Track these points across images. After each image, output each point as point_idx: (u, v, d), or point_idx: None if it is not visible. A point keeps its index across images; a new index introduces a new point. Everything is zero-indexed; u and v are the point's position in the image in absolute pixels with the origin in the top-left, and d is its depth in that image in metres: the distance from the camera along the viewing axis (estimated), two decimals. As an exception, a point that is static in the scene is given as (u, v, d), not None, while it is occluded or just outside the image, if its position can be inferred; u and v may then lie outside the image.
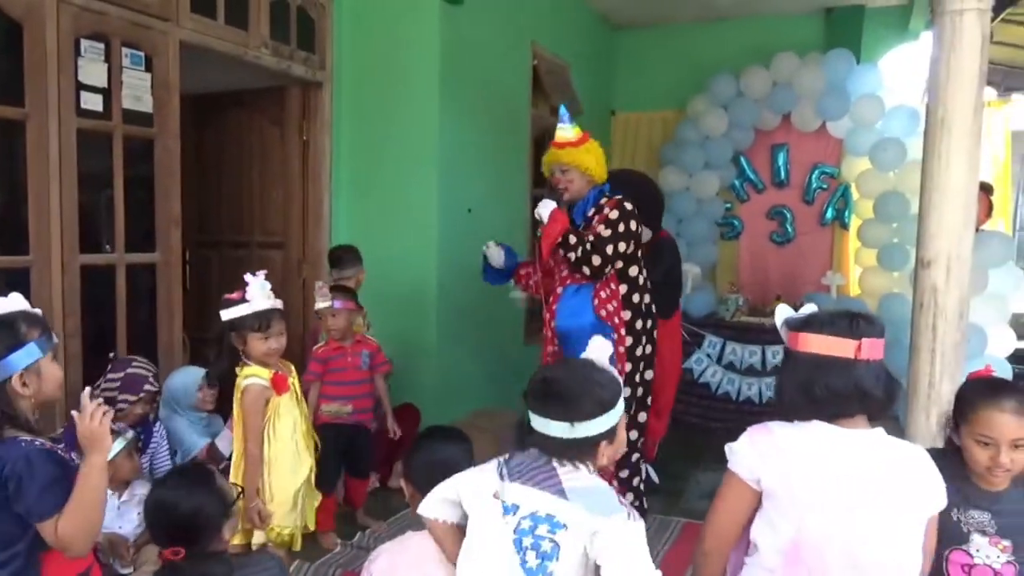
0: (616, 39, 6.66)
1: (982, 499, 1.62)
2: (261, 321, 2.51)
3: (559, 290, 3.17)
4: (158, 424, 3.01)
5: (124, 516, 2.72)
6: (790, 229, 5.97)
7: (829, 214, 5.82)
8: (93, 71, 3.02)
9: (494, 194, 4.69)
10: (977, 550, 1.62)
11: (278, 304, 2.57)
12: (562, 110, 3.30)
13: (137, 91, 3.21)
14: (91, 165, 3.11)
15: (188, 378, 3.13)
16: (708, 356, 5.23)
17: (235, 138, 4.52)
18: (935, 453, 1.59)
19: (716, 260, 6.09)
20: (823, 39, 5.93)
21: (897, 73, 5.47)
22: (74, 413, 1.64)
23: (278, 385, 2.58)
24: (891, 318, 4.98)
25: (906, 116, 5.16)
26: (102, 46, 3.04)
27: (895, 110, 5.22)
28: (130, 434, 2.64)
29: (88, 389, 1.72)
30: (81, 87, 2.97)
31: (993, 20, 4.00)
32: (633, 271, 3.22)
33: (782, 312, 1.50)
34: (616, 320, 3.12)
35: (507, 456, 1.47)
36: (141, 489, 2.79)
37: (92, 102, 3.03)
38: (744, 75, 5.71)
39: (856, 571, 1.33)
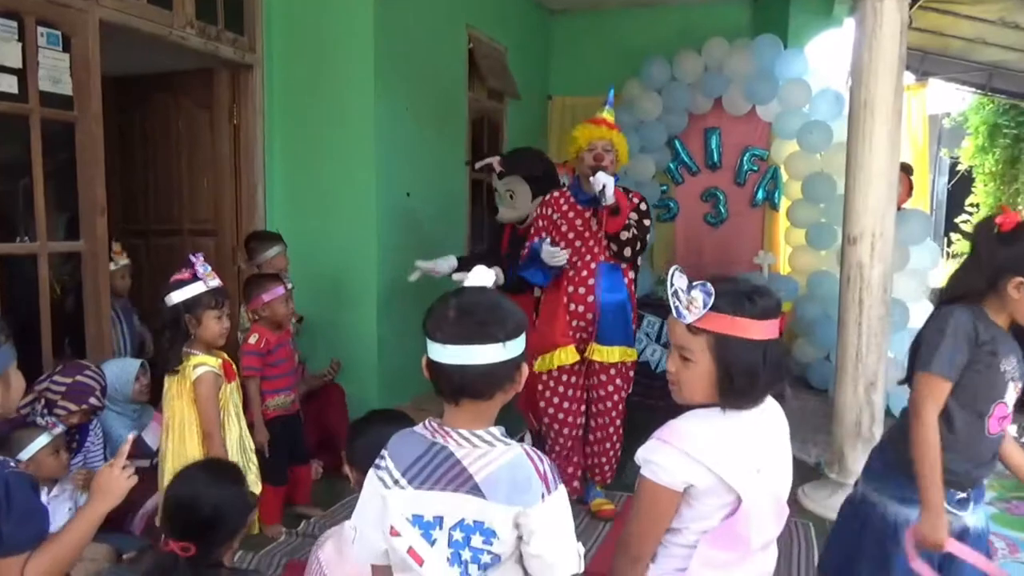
0: (552, 24, 6.68)
1: (1010, 347, 1.74)
2: (217, 298, 2.47)
3: (593, 266, 3.24)
4: (94, 421, 2.91)
5: (56, 512, 2.62)
6: (723, 210, 6.11)
7: (760, 195, 5.98)
8: (6, 51, 2.87)
9: (433, 177, 4.67)
10: (1008, 399, 1.75)
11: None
12: (611, 92, 3.47)
13: (55, 72, 3.06)
14: (8, 150, 2.97)
15: (122, 369, 3.04)
16: (647, 335, 5.32)
17: (162, 122, 4.37)
18: (960, 310, 1.71)
19: (653, 242, 6.19)
20: (751, 24, 6.09)
21: (822, 58, 5.65)
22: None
23: (228, 372, 2.53)
24: (820, 294, 5.18)
25: (831, 99, 5.34)
26: (15, 24, 2.89)
27: (821, 94, 5.39)
28: (57, 430, 2.54)
29: (133, 435, 1.58)
30: (-7, 68, 2.83)
31: (912, 7, 4.17)
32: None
33: (681, 280, 1.37)
34: (634, 301, 3.38)
35: (386, 460, 1.33)
36: (71, 485, 2.70)
37: (6, 84, 2.88)
38: (677, 59, 5.80)
39: (766, 524, 1.39)
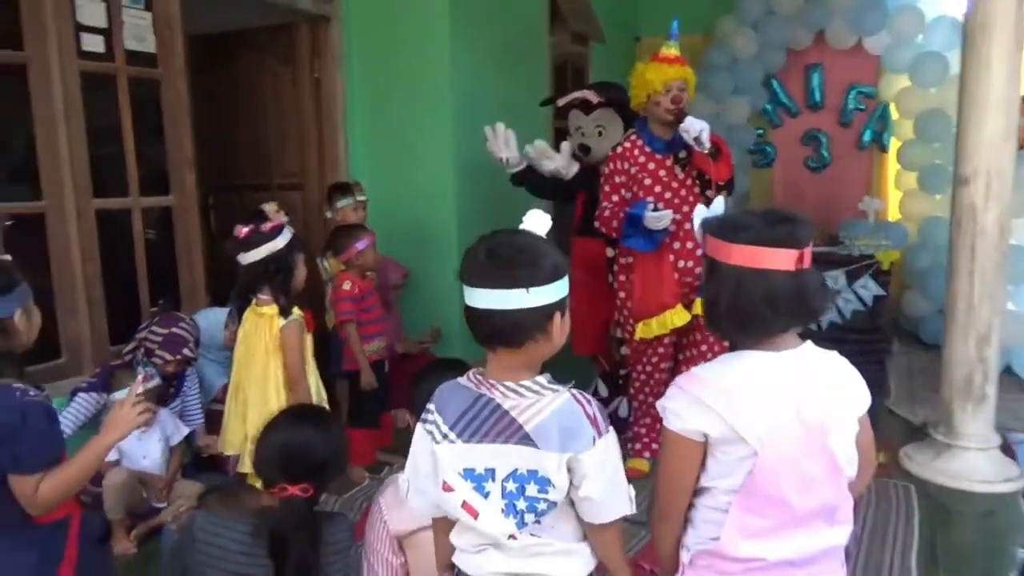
0: (640, -41, 6.37)
1: None
2: (303, 246, 2.58)
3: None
4: (190, 370, 3.04)
5: (147, 445, 2.77)
6: (826, 154, 5.74)
7: (867, 136, 5.57)
8: (91, 11, 2.96)
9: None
10: None
11: None
12: (675, 24, 3.05)
13: (139, 31, 3.15)
14: (99, 109, 3.08)
15: (214, 318, 3.15)
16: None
17: (247, 80, 4.45)
18: None
19: (748, 190, 5.90)
20: (860, -52, 5.59)
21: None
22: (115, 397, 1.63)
23: (309, 322, 2.58)
24: (933, 242, 4.80)
25: (948, 27, 4.86)
26: (99, -15, 2.98)
27: (936, 21, 4.92)
28: (152, 383, 2.65)
29: (142, 374, 1.70)
30: (80, 28, 2.92)
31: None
32: None
33: (700, 213, 1.35)
34: None
35: (433, 414, 1.30)
36: (166, 416, 2.84)
37: (93, 43, 2.98)
38: (775, -9, 5.43)
39: (807, 486, 1.26)
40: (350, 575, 1.77)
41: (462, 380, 1.33)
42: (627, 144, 3.09)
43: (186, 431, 2.95)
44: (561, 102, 3.78)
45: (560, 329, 1.26)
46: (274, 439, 1.67)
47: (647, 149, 3.04)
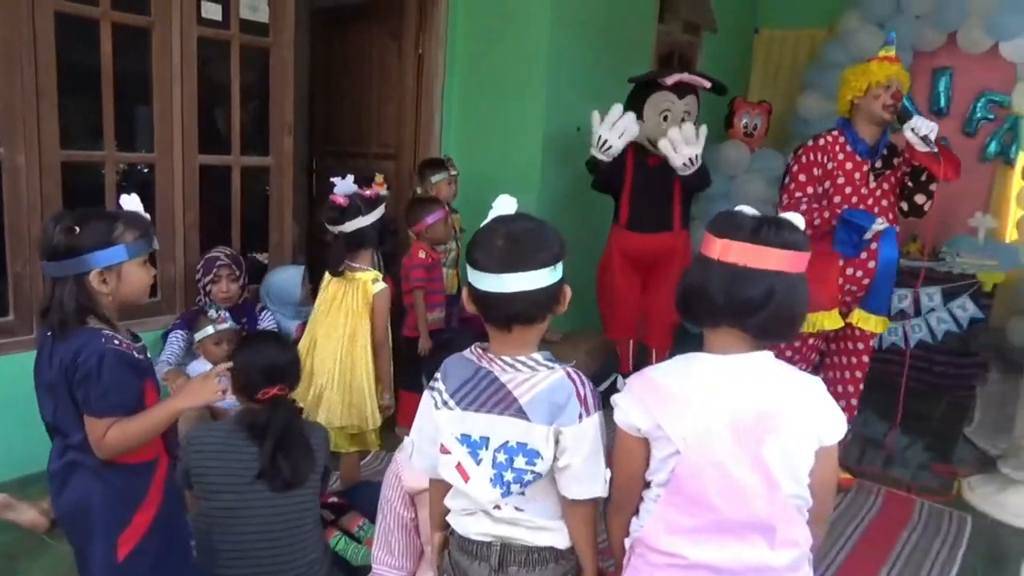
0: (765, -53, 6.15)
1: None
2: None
3: (885, 226, 2.94)
4: (263, 313, 3.29)
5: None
6: (945, 164, 5.38)
7: (992, 148, 5.17)
8: (213, -19, 3.23)
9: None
10: None
11: None
12: (891, 34, 3.22)
13: (255, 2, 3.39)
14: (211, 72, 3.36)
15: (288, 276, 3.39)
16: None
17: (358, 51, 4.68)
18: None
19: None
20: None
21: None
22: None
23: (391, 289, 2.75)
24: (1048, 268, 4.44)
25: (1097, 36, 4.45)
26: (220, -43, 3.24)
27: (1085, 29, 4.50)
28: (224, 326, 2.89)
29: (226, 366, 1.82)
30: (201, -4, 3.19)
31: None
32: None
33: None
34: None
35: (439, 381, 1.41)
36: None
37: (212, 11, 3.25)
38: (906, -12, 5.12)
39: (736, 495, 1.24)
40: (328, 467, 2.13)
41: (466, 353, 1.43)
42: (829, 138, 3.01)
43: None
44: (669, 80, 3.62)
45: (567, 298, 1.37)
46: (256, 358, 2.01)
47: (848, 148, 2.98)
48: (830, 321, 3.00)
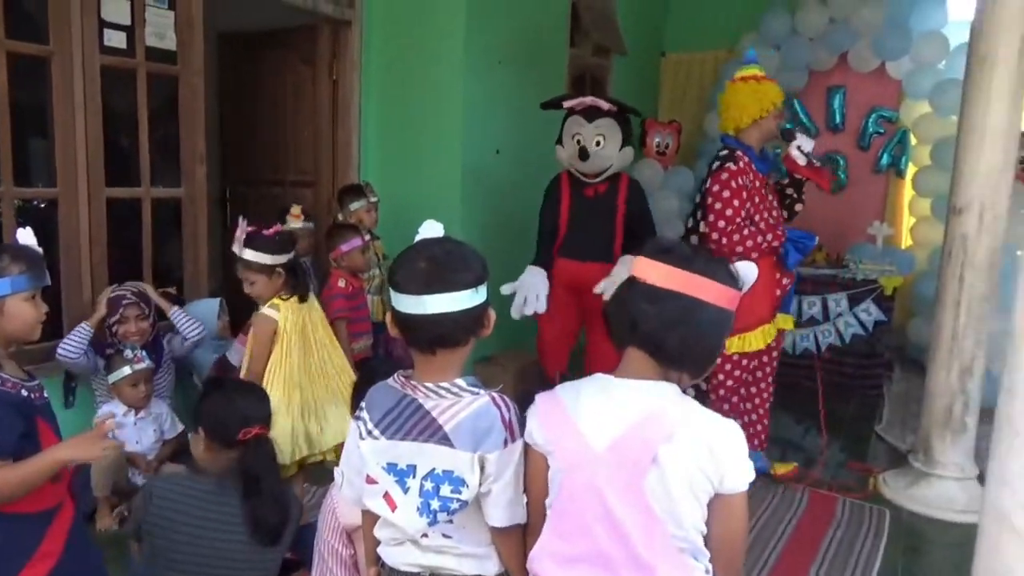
0: (668, -26, 6.41)
1: None
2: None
3: (782, 236, 3.09)
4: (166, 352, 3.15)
5: (141, 433, 2.90)
6: (843, 176, 5.70)
7: (884, 160, 5.52)
8: (116, 9, 3.11)
9: (526, 136, 4.64)
10: None
11: None
12: (751, 51, 3.31)
13: (160, 29, 3.29)
14: (117, 102, 3.23)
15: (205, 309, 3.28)
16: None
17: (271, 78, 4.59)
18: None
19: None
20: (889, -29, 5.56)
21: (966, 7, 5.08)
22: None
23: None
24: (938, 271, 4.75)
25: (971, 55, 4.81)
26: (124, -17, 3.12)
27: (960, 49, 4.83)
28: (140, 366, 2.77)
29: (113, 419, 1.72)
30: (104, 24, 3.07)
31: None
32: None
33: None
34: None
35: (363, 411, 1.38)
36: (157, 408, 2.96)
37: (116, 39, 3.12)
38: (799, 11, 5.42)
39: (613, 526, 1.20)
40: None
41: (390, 381, 1.40)
42: (743, 162, 3.06)
43: (180, 428, 3.05)
44: (568, 104, 3.66)
45: (492, 321, 1.35)
46: (227, 399, 1.96)
47: (754, 167, 3.09)
48: (772, 331, 3.16)
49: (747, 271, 1.30)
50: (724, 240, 2.99)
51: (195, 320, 3.10)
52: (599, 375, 1.31)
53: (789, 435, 3.98)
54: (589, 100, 3.61)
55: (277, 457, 2.04)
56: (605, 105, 3.54)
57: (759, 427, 3.35)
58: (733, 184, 3.00)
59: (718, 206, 3.00)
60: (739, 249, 3.00)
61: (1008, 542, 0.87)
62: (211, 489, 1.87)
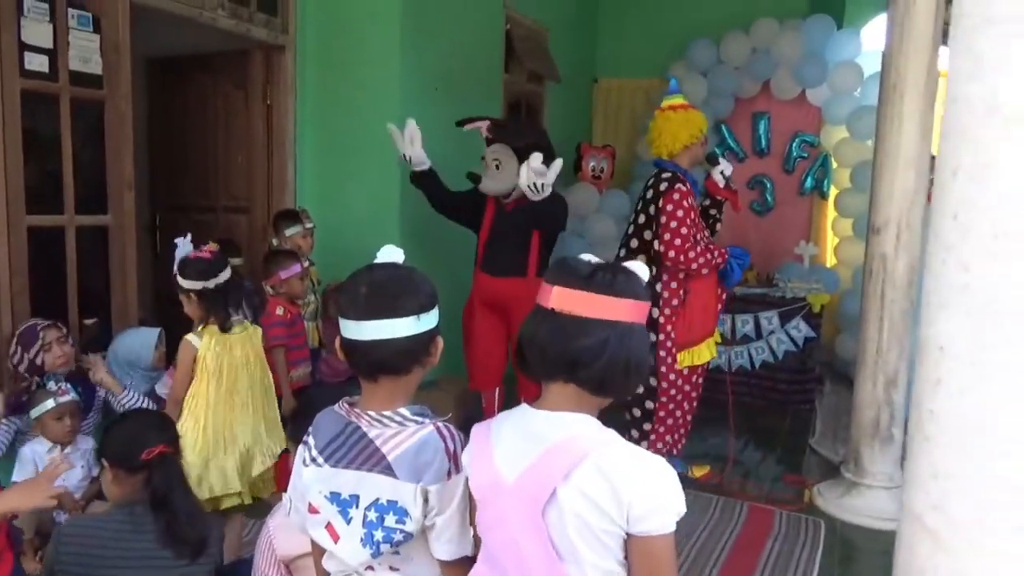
0: (598, 3, 6.57)
1: None
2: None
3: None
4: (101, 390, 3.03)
5: (68, 474, 2.77)
6: (770, 199, 5.92)
7: (808, 183, 5.77)
8: (37, 31, 3.01)
9: (462, 160, 4.66)
10: None
11: None
12: (673, 81, 3.58)
13: (85, 53, 3.19)
14: (39, 127, 3.11)
15: (141, 339, 3.16)
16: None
17: (201, 102, 4.50)
18: None
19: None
20: (807, 4, 5.84)
21: (878, 39, 5.37)
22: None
23: None
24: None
25: (884, 83, 5.08)
26: (46, 6, 3.02)
27: (873, 77, 5.13)
28: (65, 398, 2.65)
29: (65, 452, 1.63)
30: (25, 47, 2.97)
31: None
32: None
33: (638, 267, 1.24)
34: None
35: (310, 437, 1.36)
36: (84, 444, 2.84)
37: (37, 63, 3.02)
38: (724, 41, 5.63)
39: (523, 562, 1.16)
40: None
41: (336, 407, 1.37)
42: (686, 185, 3.25)
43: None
44: (468, 127, 3.77)
45: (440, 349, 1.33)
46: (134, 427, 1.92)
47: (693, 190, 3.32)
48: (710, 347, 3.35)
49: (643, 272, 1.24)
50: (681, 257, 3.17)
51: (144, 399, 3.01)
52: (524, 406, 1.25)
53: (708, 442, 4.05)
54: (480, 123, 3.68)
55: (186, 475, 1.96)
56: (485, 132, 3.63)
57: (681, 431, 3.49)
58: (685, 204, 3.20)
59: (673, 224, 3.17)
60: (694, 266, 3.19)
61: (921, 542, 0.89)
62: (124, 523, 1.78)
